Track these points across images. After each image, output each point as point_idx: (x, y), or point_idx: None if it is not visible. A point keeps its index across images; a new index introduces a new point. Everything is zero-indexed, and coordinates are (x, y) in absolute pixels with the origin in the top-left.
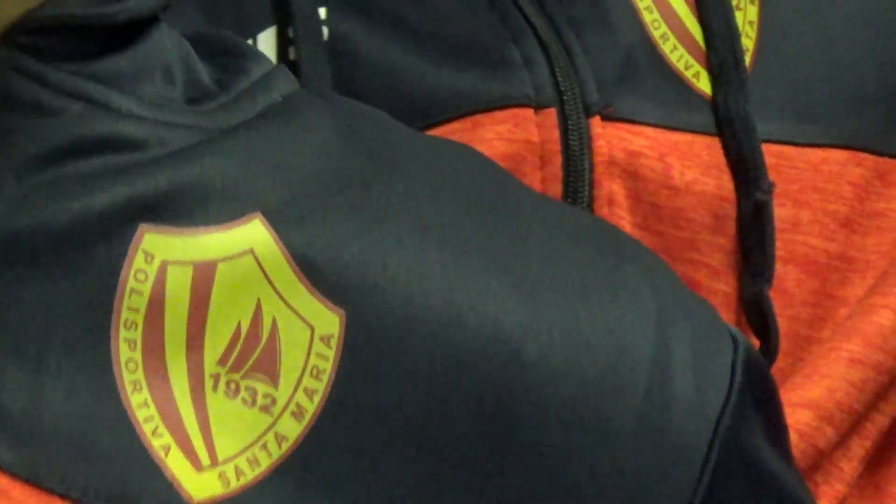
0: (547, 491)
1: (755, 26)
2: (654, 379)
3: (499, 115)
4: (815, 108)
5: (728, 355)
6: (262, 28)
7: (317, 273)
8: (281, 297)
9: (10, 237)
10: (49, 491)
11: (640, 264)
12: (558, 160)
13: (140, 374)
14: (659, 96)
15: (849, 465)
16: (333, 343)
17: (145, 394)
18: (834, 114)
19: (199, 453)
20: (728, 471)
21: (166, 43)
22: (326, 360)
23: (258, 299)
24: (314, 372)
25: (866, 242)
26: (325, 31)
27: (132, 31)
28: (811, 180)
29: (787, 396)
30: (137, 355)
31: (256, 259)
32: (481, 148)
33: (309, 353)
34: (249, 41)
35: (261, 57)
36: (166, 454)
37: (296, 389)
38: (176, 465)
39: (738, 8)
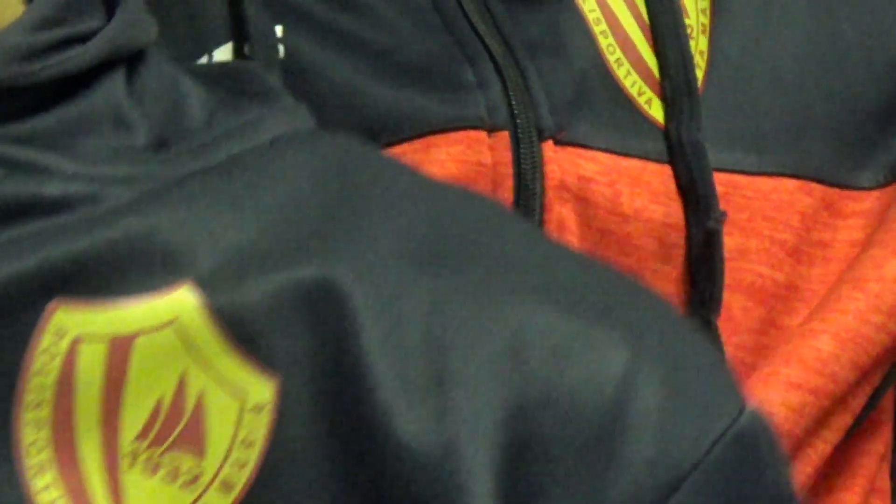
0: None
1: (705, 56)
2: (611, 430)
3: (452, 136)
4: (765, 137)
5: (721, 423)
6: (218, 44)
7: (251, 340)
8: (208, 368)
9: None
10: None
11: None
12: (510, 183)
13: (46, 455)
14: (612, 122)
15: None
16: (266, 412)
17: (52, 475)
18: (783, 143)
19: None
20: None
21: (118, 90)
22: (259, 429)
23: (182, 371)
24: (245, 442)
25: (812, 272)
26: (281, 48)
27: (65, 85)
28: (760, 209)
29: None
30: (45, 436)
31: (182, 330)
32: (434, 169)
33: (239, 424)
34: (205, 57)
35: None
36: None
37: (224, 462)
38: None
39: (690, 37)
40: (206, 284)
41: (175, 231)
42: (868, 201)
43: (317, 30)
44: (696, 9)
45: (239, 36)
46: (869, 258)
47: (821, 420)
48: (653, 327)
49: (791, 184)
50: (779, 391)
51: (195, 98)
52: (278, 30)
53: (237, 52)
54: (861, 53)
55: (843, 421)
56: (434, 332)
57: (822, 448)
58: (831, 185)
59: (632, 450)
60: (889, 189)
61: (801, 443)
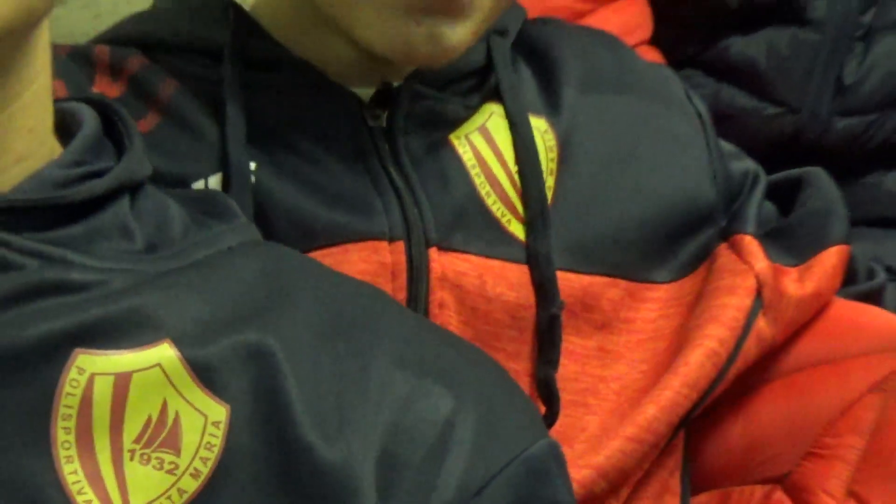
0: None
1: (552, 191)
2: (435, 451)
3: (361, 244)
4: (590, 250)
5: (516, 449)
6: (213, 173)
7: (211, 379)
8: (181, 396)
9: None
10: None
11: (463, 372)
12: (404, 276)
13: (72, 451)
14: (481, 235)
15: (616, 501)
16: (222, 427)
17: (76, 465)
18: (602, 254)
19: (114, 501)
20: None
21: (124, 210)
22: (216, 437)
23: (164, 398)
24: (207, 446)
25: (619, 339)
26: (253, 178)
27: (87, 206)
28: (581, 297)
29: (583, 460)
30: (71, 438)
31: (164, 370)
32: (349, 267)
33: (203, 433)
34: (202, 181)
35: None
36: (85, 499)
37: (193, 458)
38: None
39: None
40: (178, 342)
41: (158, 307)
42: (661, 291)
43: (276, 167)
44: (547, 157)
45: (226, 168)
46: (680, 351)
47: (644, 458)
48: (475, 383)
49: (603, 280)
50: (618, 443)
51: (177, 216)
52: (252, 165)
53: (224, 178)
54: (658, 197)
55: (654, 454)
56: (332, 388)
57: (639, 474)
58: (634, 280)
59: (451, 467)
60: (676, 284)
61: (629, 474)
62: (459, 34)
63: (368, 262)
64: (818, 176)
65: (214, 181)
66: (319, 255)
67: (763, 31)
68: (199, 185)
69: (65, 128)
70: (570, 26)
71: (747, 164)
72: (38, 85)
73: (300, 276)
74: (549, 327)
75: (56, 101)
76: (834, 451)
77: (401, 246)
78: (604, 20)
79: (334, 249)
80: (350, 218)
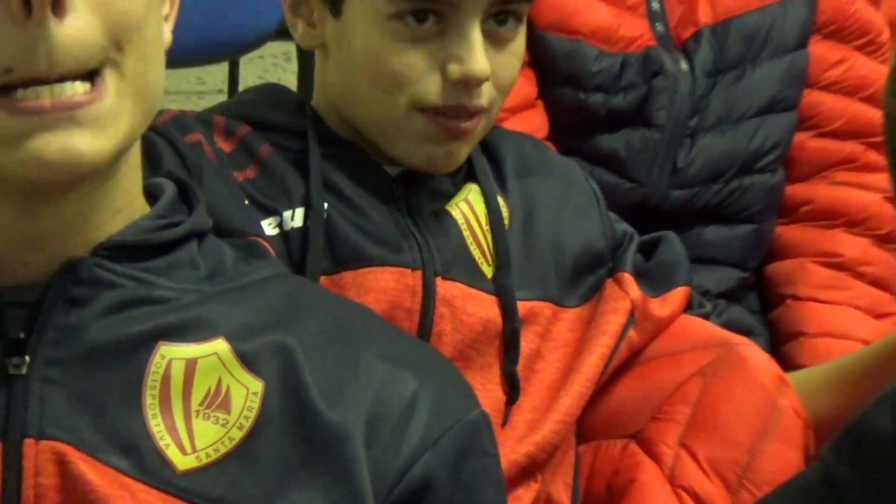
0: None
1: (516, 244)
2: (401, 420)
3: (393, 268)
4: (532, 284)
5: (462, 414)
6: (299, 206)
7: (252, 363)
8: (231, 374)
9: (97, 347)
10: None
11: (427, 366)
12: (420, 295)
13: (157, 411)
14: (466, 272)
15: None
16: (259, 396)
17: (159, 420)
18: (538, 286)
19: (185, 446)
20: (453, 471)
21: (193, 250)
22: (255, 403)
23: (219, 376)
24: (249, 408)
25: (545, 345)
26: (325, 215)
27: (168, 246)
28: (527, 315)
29: (527, 438)
30: (156, 402)
31: (219, 357)
32: (384, 283)
33: (246, 400)
34: (290, 212)
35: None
36: (167, 448)
37: (239, 416)
38: (171, 453)
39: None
40: (229, 338)
41: (215, 315)
42: (571, 313)
43: (338, 210)
44: (501, 204)
45: (307, 206)
46: (581, 355)
47: (565, 434)
48: (431, 371)
49: (540, 304)
50: (551, 425)
51: (229, 255)
52: (325, 205)
53: (306, 212)
54: (570, 248)
55: (569, 432)
56: (334, 373)
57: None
58: (557, 304)
59: (415, 427)
60: (580, 308)
61: (557, 445)
62: (465, 152)
63: (398, 282)
64: (671, 238)
65: (300, 213)
66: (365, 271)
67: (622, 131)
68: (287, 213)
69: (155, 194)
70: (506, 130)
71: (626, 227)
72: (131, 160)
73: (312, 297)
74: (512, 336)
75: (148, 177)
76: (670, 416)
77: (419, 274)
78: (517, 125)
79: (375, 268)
80: (387, 251)
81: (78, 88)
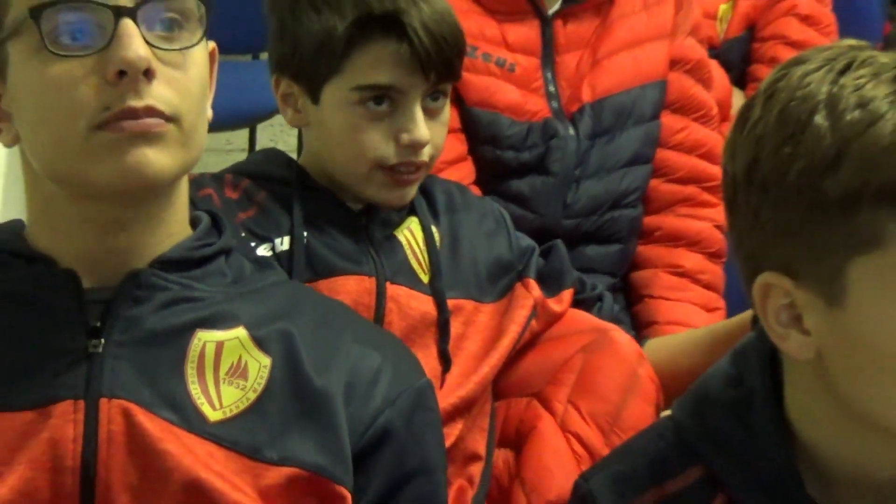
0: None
1: (444, 256)
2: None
3: (356, 277)
4: (458, 286)
5: (413, 382)
6: (286, 235)
7: (262, 344)
8: (248, 353)
9: (152, 333)
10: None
11: (386, 344)
12: (374, 295)
13: (195, 378)
14: (408, 279)
15: (468, 413)
16: (267, 368)
17: (196, 385)
18: (462, 288)
19: (215, 403)
20: (402, 426)
21: (223, 264)
22: (265, 373)
23: (240, 354)
24: (260, 377)
25: (468, 330)
26: (306, 239)
27: (203, 260)
28: (454, 309)
29: (455, 392)
30: (194, 372)
31: (240, 341)
32: (350, 288)
33: (259, 371)
34: (280, 239)
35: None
36: (202, 405)
37: (254, 382)
38: (205, 409)
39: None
40: (247, 327)
41: (238, 310)
42: (489, 307)
43: (316, 237)
44: (434, 231)
45: (292, 235)
46: (499, 337)
47: (482, 393)
48: (391, 350)
49: (464, 301)
50: (473, 385)
51: (248, 267)
52: (305, 234)
53: (291, 239)
54: (484, 259)
55: (485, 391)
56: (322, 351)
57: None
58: (477, 301)
59: (379, 390)
60: (495, 304)
61: (476, 399)
62: (412, 194)
63: (359, 286)
64: (559, 245)
65: (287, 240)
66: (335, 279)
67: (527, 177)
68: (278, 240)
69: (195, 222)
70: (438, 177)
71: (529, 241)
72: (181, 191)
73: (306, 297)
74: (444, 324)
75: (193, 211)
76: (561, 381)
77: (374, 280)
78: (452, 174)
79: (342, 277)
80: (351, 265)
81: (155, 122)
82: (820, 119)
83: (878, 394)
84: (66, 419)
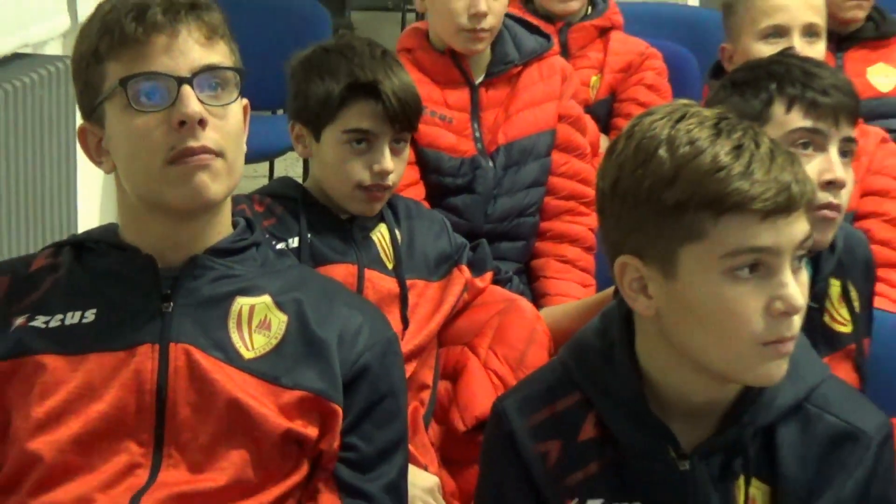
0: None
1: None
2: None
3: (344, 265)
4: (413, 270)
5: (385, 334)
6: (295, 236)
7: (281, 306)
8: (272, 312)
9: (206, 299)
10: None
11: (365, 308)
12: (356, 277)
13: (234, 330)
14: (379, 266)
15: (417, 358)
16: (284, 323)
17: (235, 334)
18: (416, 271)
19: (249, 346)
20: (377, 373)
21: (254, 252)
22: (283, 326)
23: (266, 313)
24: (279, 329)
25: (418, 301)
26: (309, 239)
27: (244, 248)
28: (411, 287)
29: (412, 340)
30: (234, 326)
31: (266, 304)
32: (338, 272)
33: (278, 324)
34: (293, 239)
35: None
36: (240, 348)
37: (276, 332)
38: (242, 350)
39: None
40: (272, 295)
41: (265, 283)
42: (435, 285)
43: (316, 238)
44: (397, 233)
45: (300, 236)
46: (440, 307)
47: (429, 343)
48: (369, 312)
49: (417, 281)
50: (422, 337)
51: (271, 255)
52: (309, 236)
53: (300, 240)
54: (430, 253)
55: (431, 342)
56: (322, 313)
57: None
58: (426, 280)
59: (361, 339)
60: (439, 282)
61: (426, 346)
62: (379, 207)
63: (346, 272)
64: (484, 243)
65: (296, 240)
66: (329, 267)
67: (461, 195)
68: (290, 240)
69: (235, 225)
70: (399, 195)
71: (462, 239)
72: (225, 204)
73: (312, 276)
74: (404, 298)
75: (233, 217)
76: (484, 334)
77: (356, 267)
78: (410, 193)
79: (333, 265)
80: (340, 256)
81: (208, 157)
82: (662, 152)
83: (697, 340)
84: (146, 357)
